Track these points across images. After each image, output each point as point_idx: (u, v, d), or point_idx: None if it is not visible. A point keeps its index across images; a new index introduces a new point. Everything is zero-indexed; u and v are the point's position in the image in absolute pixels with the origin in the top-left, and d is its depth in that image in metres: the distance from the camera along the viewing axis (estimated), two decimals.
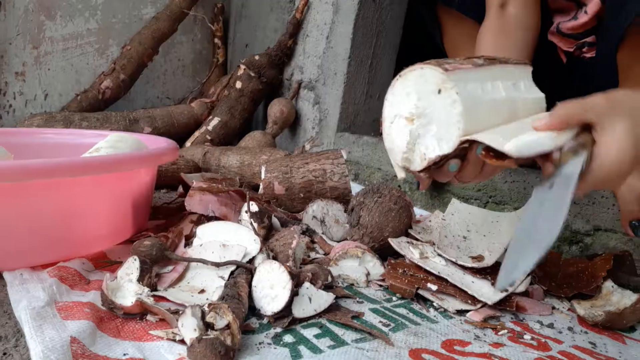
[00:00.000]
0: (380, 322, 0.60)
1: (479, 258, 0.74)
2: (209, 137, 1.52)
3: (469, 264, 0.72)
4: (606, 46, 0.91)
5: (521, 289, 0.70)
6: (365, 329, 0.56)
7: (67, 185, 0.64)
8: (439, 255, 0.75)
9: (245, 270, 0.63)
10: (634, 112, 0.53)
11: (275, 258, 0.69)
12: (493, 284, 0.69)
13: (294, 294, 0.58)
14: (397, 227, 0.80)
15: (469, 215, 0.86)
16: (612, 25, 0.89)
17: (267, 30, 1.79)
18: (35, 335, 0.47)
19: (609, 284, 0.69)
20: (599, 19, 0.96)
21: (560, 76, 1.06)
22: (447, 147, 0.56)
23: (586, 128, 0.55)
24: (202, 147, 1.35)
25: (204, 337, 0.46)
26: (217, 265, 0.65)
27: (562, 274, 0.76)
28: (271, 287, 0.58)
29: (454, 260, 0.73)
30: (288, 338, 0.54)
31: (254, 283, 0.60)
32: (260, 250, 0.69)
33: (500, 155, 0.53)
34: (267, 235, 0.76)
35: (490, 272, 0.72)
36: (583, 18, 0.93)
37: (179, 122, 1.58)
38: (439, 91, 0.56)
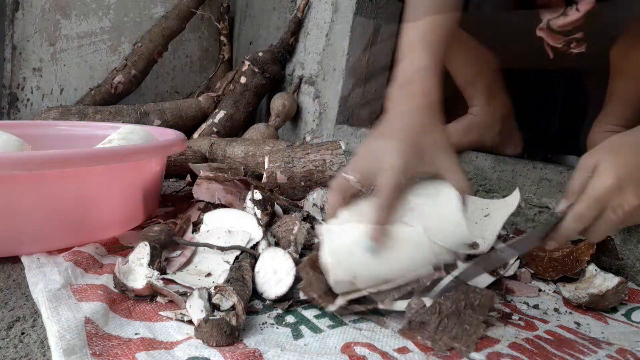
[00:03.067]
0: None
1: (474, 245, 0.73)
2: (215, 129, 1.51)
3: (466, 251, 0.71)
4: (599, 43, 0.89)
5: (510, 272, 0.70)
6: (361, 311, 0.56)
7: (81, 175, 0.64)
8: None
9: (249, 255, 0.63)
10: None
11: (277, 243, 0.68)
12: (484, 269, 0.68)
13: (296, 279, 0.58)
14: None
15: None
16: (607, 24, 0.86)
17: (270, 28, 1.77)
18: (51, 316, 0.47)
19: (592, 268, 0.69)
20: (589, 16, 0.93)
21: (546, 73, 1.04)
22: None
23: None
24: (209, 139, 1.34)
25: (210, 317, 0.46)
26: (223, 250, 0.64)
27: (548, 259, 0.76)
28: (274, 272, 0.58)
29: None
30: (289, 318, 0.53)
31: (257, 268, 0.60)
32: (264, 236, 0.68)
33: None
34: (270, 221, 0.76)
35: None
36: (574, 15, 0.90)
37: (187, 115, 1.57)
38: None
